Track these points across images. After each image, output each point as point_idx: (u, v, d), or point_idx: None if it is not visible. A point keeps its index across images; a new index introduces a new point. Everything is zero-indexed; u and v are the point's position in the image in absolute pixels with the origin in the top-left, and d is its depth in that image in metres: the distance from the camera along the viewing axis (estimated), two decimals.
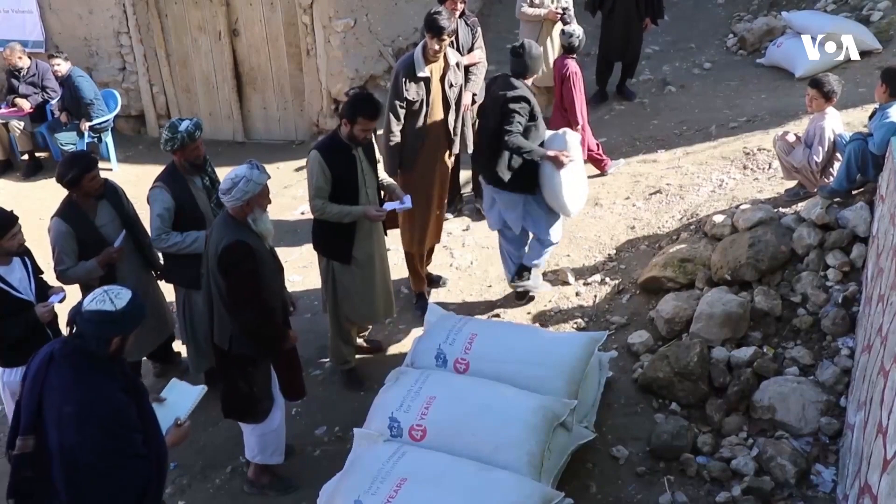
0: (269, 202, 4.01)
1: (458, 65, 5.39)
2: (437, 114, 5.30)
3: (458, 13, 6.35)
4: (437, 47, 5.07)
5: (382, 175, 5.02)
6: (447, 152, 5.51)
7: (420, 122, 5.24)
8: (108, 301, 2.88)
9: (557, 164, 5.03)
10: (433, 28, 5.02)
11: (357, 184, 4.69)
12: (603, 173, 6.96)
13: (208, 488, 4.55)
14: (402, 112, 5.18)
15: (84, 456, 2.86)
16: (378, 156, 5.02)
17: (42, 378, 2.92)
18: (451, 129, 5.45)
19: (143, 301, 3.09)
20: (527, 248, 5.45)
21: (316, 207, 4.65)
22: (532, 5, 7.67)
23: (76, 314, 2.91)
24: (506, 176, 5.13)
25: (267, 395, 4.14)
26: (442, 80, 5.25)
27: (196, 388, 3.51)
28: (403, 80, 5.12)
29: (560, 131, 5.28)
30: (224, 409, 4.22)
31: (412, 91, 5.13)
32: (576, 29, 6.69)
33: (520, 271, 5.43)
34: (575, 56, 6.65)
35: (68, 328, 2.97)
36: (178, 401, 3.41)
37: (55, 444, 2.88)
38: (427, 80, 5.17)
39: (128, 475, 2.93)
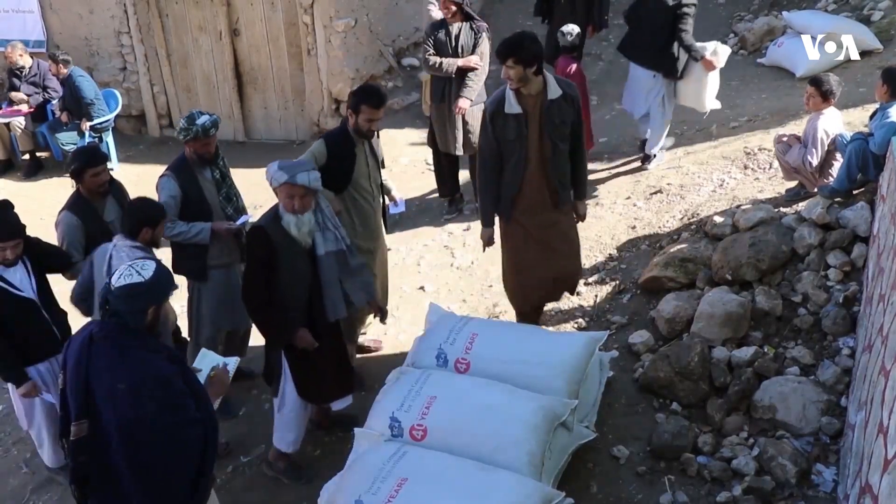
0: (296, 206, 3.97)
1: (565, 97, 4.43)
2: (536, 156, 4.48)
3: (450, 14, 6.39)
4: (509, 73, 4.31)
5: (383, 175, 5.08)
6: (552, 200, 4.59)
7: (515, 164, 4.51)
8: (135, 274, 2.95)
9: (709, 67, 6.34)
10: (500, 51, 4.32)
11: (352, 176, 4.73)
12: None
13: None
14: (494, 153, 4.53)
15: (143, 430, 2.91)
16: (380, 153, 5.05)
17: (86, 361, 2.95)
18: (552, 179, 4.52)
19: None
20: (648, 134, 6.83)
21: None
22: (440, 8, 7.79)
23: (107, 293, 2.95)
24: (678, 66, 6.41)
25: (278, 374, 4.23)
26: (541, 116, 4.41)
27: (230, 360, 3.51)
28: (490, 117, 4.49)
29: (710, 43, 6.43)
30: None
31: (498, 127, 4.45)
32: (573, 28, 6.71)
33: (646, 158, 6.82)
34: (574, 54, 6.69)
35: (101, 310, 3.01)
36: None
37: (112, 423, 2.92)
38: (519, 116, 4.40)
39: (186, 442, 3.00)
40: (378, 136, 4.92)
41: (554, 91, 4.38)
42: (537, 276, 4.75)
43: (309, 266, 4.11)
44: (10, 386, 4.45)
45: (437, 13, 7.88)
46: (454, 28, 6.46)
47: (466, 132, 6.57)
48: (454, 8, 6.40)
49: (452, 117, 6.53)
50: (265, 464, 4.53)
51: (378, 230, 5.02)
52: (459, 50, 6.43)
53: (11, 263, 4.17)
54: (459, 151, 6.65)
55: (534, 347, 4.25)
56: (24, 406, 4.50)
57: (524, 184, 4.52)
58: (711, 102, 6.61)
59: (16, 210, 4.30)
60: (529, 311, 5.02)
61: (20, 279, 4.20)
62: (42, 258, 4.33)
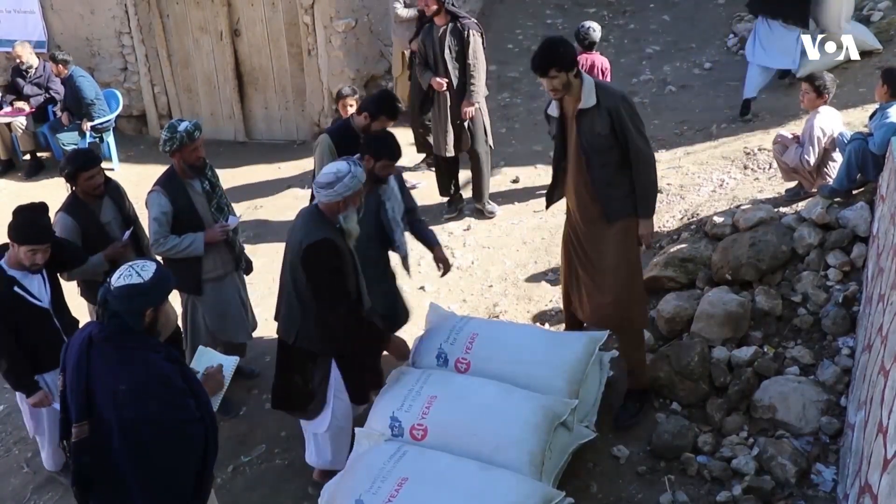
0: (360, 201, 3.99)
1: (599, 107, 4.02)
2: (574, 163, 4.24)
3: (430, 10, 6.29)
4: (553, 84, 4.00)
5: None
6: (600, 212, 4.23)
7: (558, 164, 4.39)
8: (135, 275, 2.94)
9: None
10: (536, 64, 4.01)
11: None
12: None
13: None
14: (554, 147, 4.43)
15: (146, 430, 2.92)
16: None
17: (85, 363, 2.95)
18: (595, 190, 4.17)
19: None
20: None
21: None
22: (406, 6, 7.83)
23: (106, 293, 2.94)
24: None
25: (321, 393, 4.09)
26: (578, 122, 4.11)
27: (229, 359, 3.51)
28: (545, 114, 4.45)
29: None
30: (274, 400, 4.24)
31: (549, 126, 4.40)
32: (593, 24, 6.72)
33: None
34: (595, 51, 6.70)
35: (99, 310, 3.00)
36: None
37: (115, 425, 2.92)
38: (559, 120, 4.25)
39: (189, 441, 3.00)
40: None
41: (587, 100, 4.02)
42: (566, 290, 4.64)
43: (354, 262, 4.07)
44: (18, 393, 4.40)
45: (403, 11, 7.94)
46: (441, 28, 6.34)
47: (462, 131, 6.55)
48: (434, 6, 6.26)
49: (442, 119, 6.52)
50: (311, 485, 4.38)
51: None
52: (445, 51, 6.32)
53: (40, 269, 4.11)
54: (450, 153, 6.64)
55: (534, 347, 4.26)
56: (30, 412, 4.45)
57: (568, 187, 4.33)
58: (844, 23, 7.31)
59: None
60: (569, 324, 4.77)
61: (38, 288, 4.14)
62: (57, 251, 4.21)
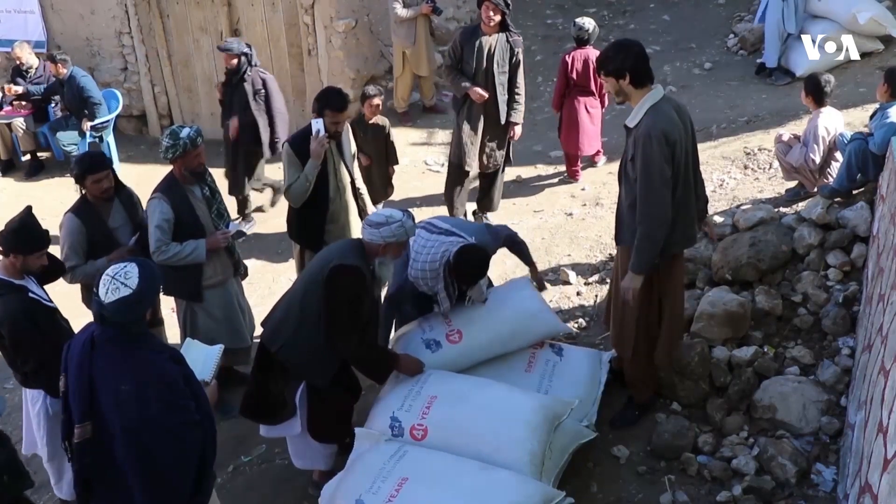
0: (401, 254, 4.00)
1: (637, 131, 3.75)
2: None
3: (491, 23, 5.97)
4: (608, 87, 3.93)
5: (355, 174, 5.27)
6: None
7: None
8: (121, 286, 2.88)
9: None
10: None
11: (327, 176, 4.95)
12: (573, 180, 7.08)
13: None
14: None
15: (149, 432, 2.92)
16: (353, 149, 5.24)
17: (88, 363, 2.95)
18: (617, 208, 4.03)
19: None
20: None
21: (287, 194, 4.98)
22: (405, 6, 7.82)
23: (101, 309, 2.91)
24: None
25: (291, 406, 4.05)
26: (626, 136, 3.91)
27: (214, 348, 3.53)
28: None
29: None
30: (242, 406, 4.18)
31: None
32: (586, 21, 6.73)
33: None
34: (590, 46, 6.71)
35: (97, 320, 2.99)
36: (198, 362, 3.43)
37: (117, 426, 2.93)
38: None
39: (189, 443, 3.01)
40: (348, 131, 5.15)
41: (632, 119, 3.79)
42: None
43: (375, 309, 4.12)
44: (35, 419, 4.27)
45: (402, 12, 7.92)
46: (490, 39, 6.04)
47: (494, 149, 6.36)
48: (498, 18, 5.95)
49: (474, 133, 6.25)
50: (311, 485, 4.35)
51: (346, 230, 5.05)
52: (494, 65, 6.02)
53: (42, 269, 4.11)
54: (472, 170, 6.43)
55: (516, 330, 4.27)
56: (48, 437, 4.30)
57: None
58: None
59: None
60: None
61: (38, 290, 4.12)
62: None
